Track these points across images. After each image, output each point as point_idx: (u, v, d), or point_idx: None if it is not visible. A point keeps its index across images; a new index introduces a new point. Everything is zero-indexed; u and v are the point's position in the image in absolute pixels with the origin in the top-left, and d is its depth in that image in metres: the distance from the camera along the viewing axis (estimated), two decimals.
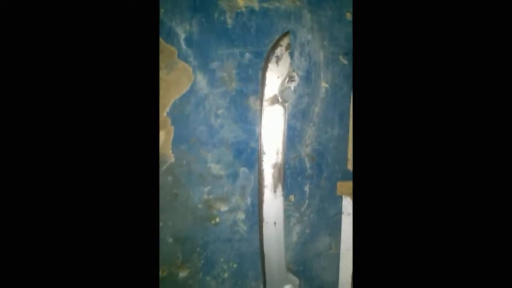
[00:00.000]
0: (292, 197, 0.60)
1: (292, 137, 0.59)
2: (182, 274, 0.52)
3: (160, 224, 0.49)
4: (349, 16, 0.63)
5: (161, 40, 0.47)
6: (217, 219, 0.53)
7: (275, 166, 0.55)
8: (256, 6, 0.53)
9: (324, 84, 0.62)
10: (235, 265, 0.56)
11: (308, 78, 0.59)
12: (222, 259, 0.55)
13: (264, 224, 0.54)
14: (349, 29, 0.62)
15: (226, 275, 0.55)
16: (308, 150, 0.61)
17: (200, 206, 0.52)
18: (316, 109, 0.61)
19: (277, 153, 0.55)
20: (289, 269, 0.58)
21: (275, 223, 0.55)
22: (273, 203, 0.54)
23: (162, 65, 0.47)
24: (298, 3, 0.57)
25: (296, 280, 0.58)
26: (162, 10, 0.47)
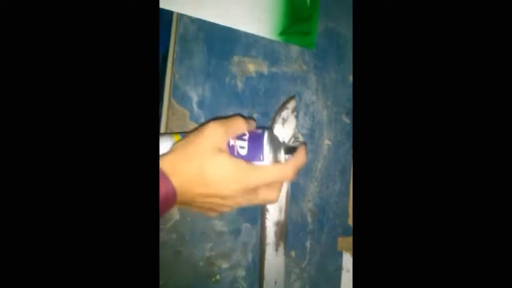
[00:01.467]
0: (293, 253, 0.60)
1: (295, 193, 0.60)
2: None
3: (162, 282, 0.49)
4: (351, 79, 0.66)
5: (174, 102, 0.49)
6: (218, 277, 0.53)
7: (277, 223, 0.56)
8: (265, 70, 0.57)
9: (326, 141, 0.64)
10: None
11: (311, 136, 0.62)
12: None
13: (265, 283, 0.54)
14: (352, 90, 0.66)
15: None
16: (310, 205, 0.62)
17: (201, 263, 0.52)
18: (319, 165, 0.63)
19: (280, 211, 0.56)
20: None
21: (275, 282, 0.55)
22: (274, 262, 0.55)
23: (174, 126, 0.49)
24: (304, 67, 0.61)
25: None
26: (177, 75, 0.49)
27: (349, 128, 0.66)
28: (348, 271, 0.66)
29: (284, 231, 0.56)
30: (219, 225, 0.54)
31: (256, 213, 0.56)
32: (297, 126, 0.57)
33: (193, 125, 0.51)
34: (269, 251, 0.54)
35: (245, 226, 0.56)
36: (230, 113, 0.54)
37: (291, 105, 0.56)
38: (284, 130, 0.56)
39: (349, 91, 0.66)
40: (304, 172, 0.61)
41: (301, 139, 0.58)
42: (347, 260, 0.66)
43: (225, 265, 0.54)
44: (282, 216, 0.56)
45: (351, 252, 0.66)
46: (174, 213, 0.50)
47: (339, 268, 0.65)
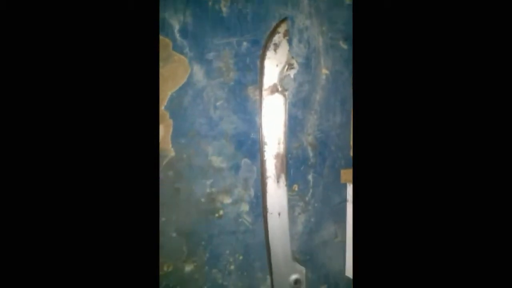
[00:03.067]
0: (296, 187, 0.59)
1: (293, 126, 0.58)
2: (188, 268, 0.52)
3: (163, 219, 0.49)
4: (348, 0, 0.61)
5: None
6: (221, 212, 0.53)
7: (277, 156, 0.54)
8: None
9: (324, 71, 0.60)
10: (241, 257, 0.55)
11: (307, 65, 0.58)
12: (227, 252, 0.54)
13: (269, 215, 0.54)
14: (348, 14, 0.61)
15: (232, 267, 0.55)
16: (310, 138, 0.60)
17: (203, 199, 0.51)
18: (317, 97, 0.60)
19: (279, 143, 0.54)
20: (295, 259, 0.58)
21: (279, 214, 0.54)
22: (276, 194, 0.54)
23: None
24: None
25: (302, 269, 0.58)
26: None
27: (348, 55, 0.62)
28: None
29: (285, 163, 0.54)
30: (217, 161, 0.52)
31: (254, 149, 0.55)
32: (290, 51, 0.54)
33: (177, 55, 0.47)
34: (270, 183, 0.53)
35: (244, 161, 0.54)
36: (217, 42, 0.50)
37: (282, 28, 0.52)
38: (277, 57, 0.52)
39: (345, 14, 0.61)
40: (302, 104, 0.58)
41: (296, 65, 0.54)
42: (352, 192, 0.65)
43: (227, 200, 0.53)
44: (281, 148, 0.54)
45: None
46: (169, 150, 0.48)
47: (344, 200, 0.65)
